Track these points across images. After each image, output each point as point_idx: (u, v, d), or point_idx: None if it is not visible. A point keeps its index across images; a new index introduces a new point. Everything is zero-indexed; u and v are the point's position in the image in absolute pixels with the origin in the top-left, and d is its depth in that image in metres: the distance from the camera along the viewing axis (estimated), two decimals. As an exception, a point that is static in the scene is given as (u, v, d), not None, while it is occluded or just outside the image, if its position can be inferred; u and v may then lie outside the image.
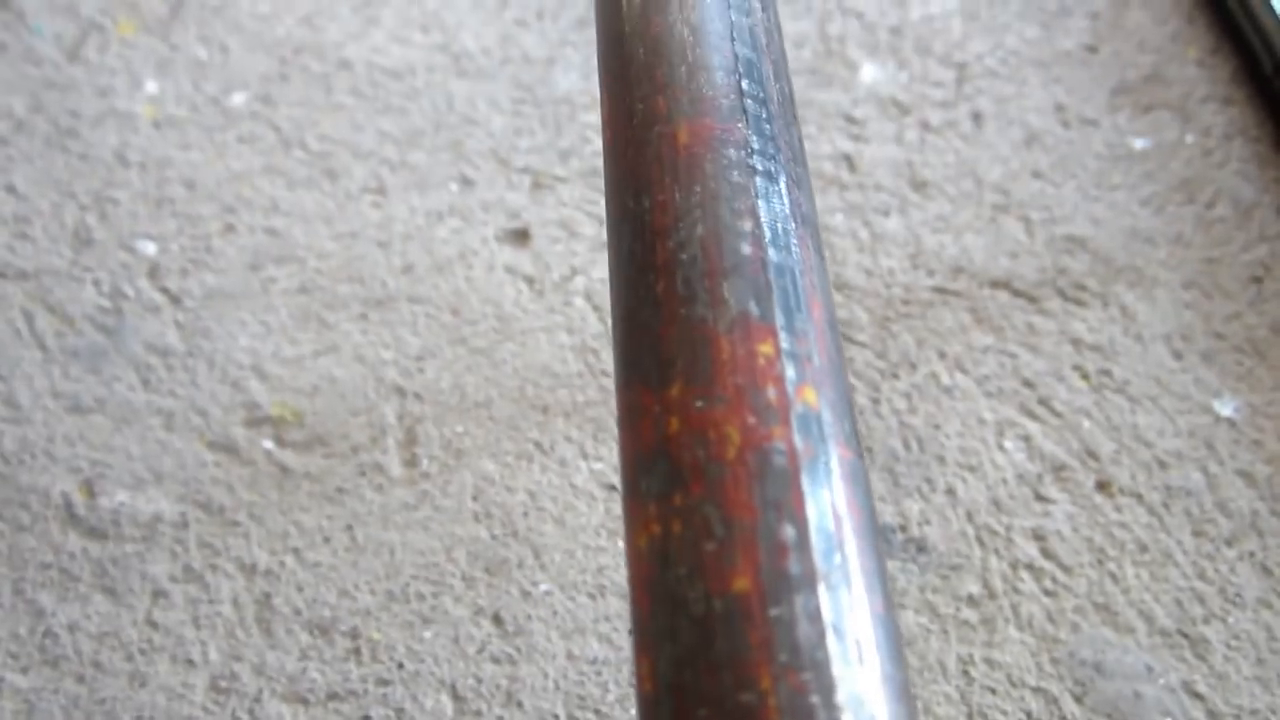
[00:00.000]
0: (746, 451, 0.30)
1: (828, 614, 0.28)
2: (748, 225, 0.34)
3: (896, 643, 0.30)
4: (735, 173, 0.35)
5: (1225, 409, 0.95)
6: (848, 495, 0.31)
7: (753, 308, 0.33)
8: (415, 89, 1.23)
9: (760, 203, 0.35)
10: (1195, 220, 1.08)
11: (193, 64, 1.25)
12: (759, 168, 0.36)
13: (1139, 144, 1.14)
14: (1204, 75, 1.16)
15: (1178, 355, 0.99)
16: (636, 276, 0.35)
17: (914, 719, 0.28)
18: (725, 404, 0.31)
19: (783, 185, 0.36)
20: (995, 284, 1.05)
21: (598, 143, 1.18)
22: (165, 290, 1.11)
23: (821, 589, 0.28)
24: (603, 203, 1.14)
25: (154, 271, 1.12)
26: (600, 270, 1.08)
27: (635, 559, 0.31)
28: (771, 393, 0.31)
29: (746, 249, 0.34)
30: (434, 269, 1.10)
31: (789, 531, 0.29)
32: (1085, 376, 0.98)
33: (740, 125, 0.37)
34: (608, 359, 1.03)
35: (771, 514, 0.29)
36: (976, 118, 1.17)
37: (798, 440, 0.31)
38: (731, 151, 0.36)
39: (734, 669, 0.27)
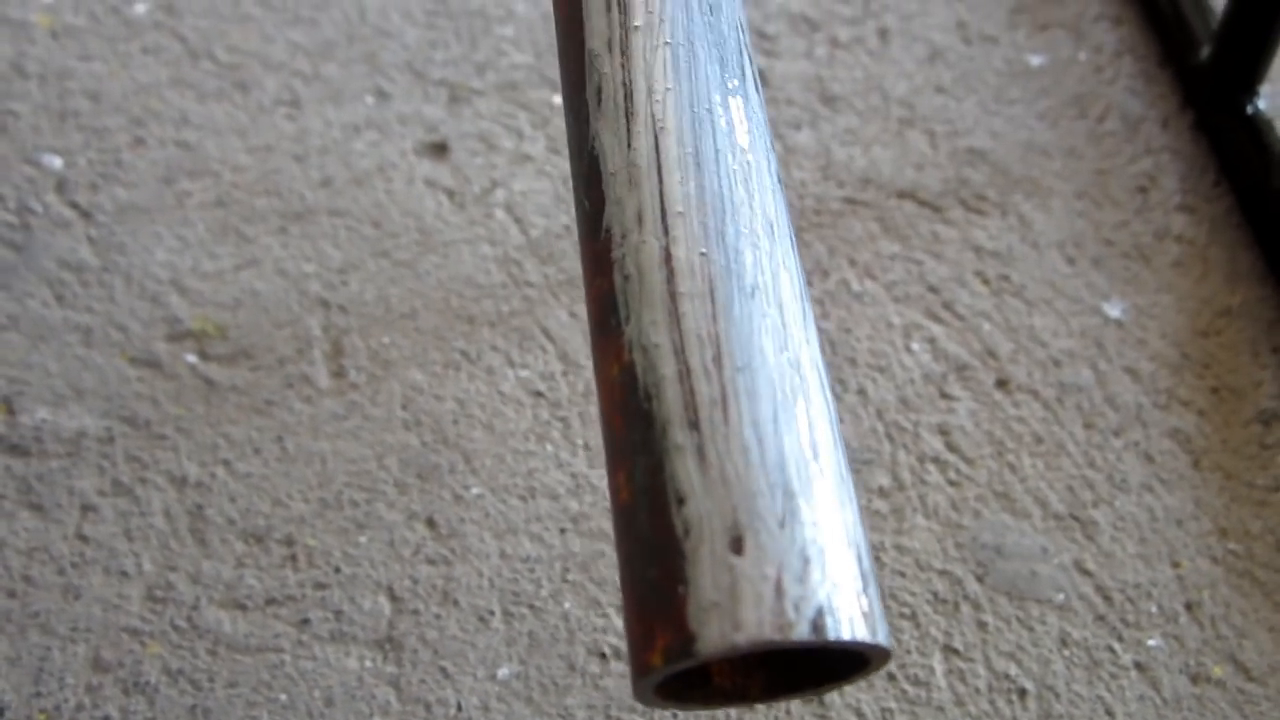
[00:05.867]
0: None
1: None
2: None
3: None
4: None
5: (1114, 310, 1.02)
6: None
7: None
8: (325, 0, 1.21)
9: None
10: (1087, 134, 1.13)
11: (90, -29, 1.21)
12: None
13: (1035, 61, 1.19)
14: (1096, -6, 1.21)
15: (1070, 261, 1.05)
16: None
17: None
18: None
19: None
20: (901, 194, 1.09)
21: (514, 56, 1.18)
22: (75, 205, 1.08)
23: None
24: (521, 116, 1.14)
25: (61, 186, 1.09)
26: (521, 183, 1.10)
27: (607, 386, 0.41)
28: None
29: None
30: (352, 182, 1.10)
31: None
32: (985, 281, 1.04)
33: None
34: (530, 270, 1.05)
35: None
36: (883, 34, 1.20)
37: None
38: None
39: None
